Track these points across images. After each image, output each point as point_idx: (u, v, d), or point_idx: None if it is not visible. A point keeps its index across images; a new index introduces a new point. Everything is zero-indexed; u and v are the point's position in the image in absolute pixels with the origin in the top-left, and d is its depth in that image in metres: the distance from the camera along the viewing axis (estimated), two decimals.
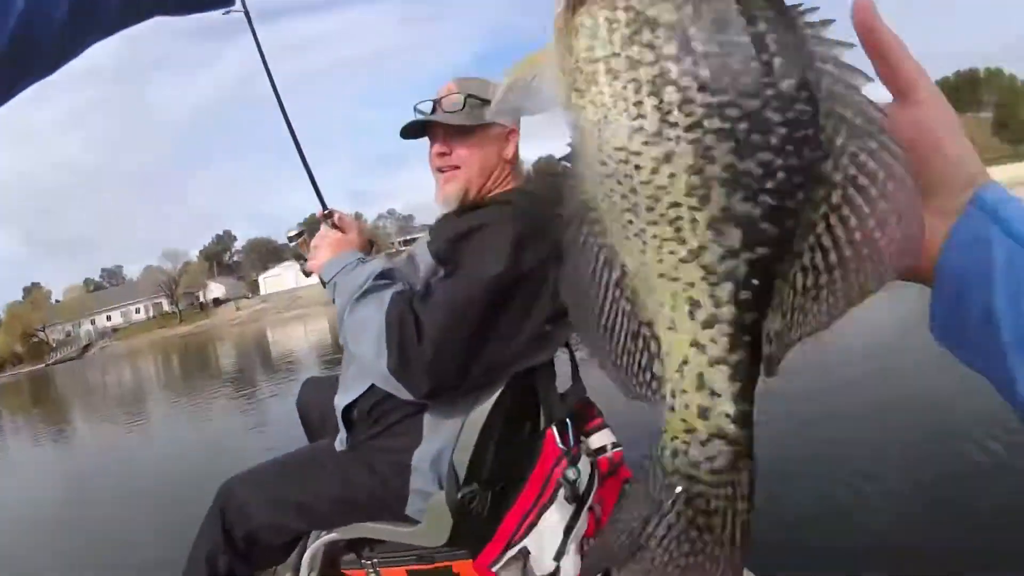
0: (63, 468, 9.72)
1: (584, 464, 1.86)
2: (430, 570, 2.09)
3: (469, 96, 1.86)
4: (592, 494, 1.86)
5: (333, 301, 1.86)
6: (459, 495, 1.85)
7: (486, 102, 1.87)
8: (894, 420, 4.98)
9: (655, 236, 0.41)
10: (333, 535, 2.01)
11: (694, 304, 0.41)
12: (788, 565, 2.90)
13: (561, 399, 1.97)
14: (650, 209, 0.40)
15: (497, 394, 1.86)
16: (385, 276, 1.80)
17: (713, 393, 0.43)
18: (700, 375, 0.42)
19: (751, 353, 0.42)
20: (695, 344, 0.42)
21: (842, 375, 6.18)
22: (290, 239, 2.14)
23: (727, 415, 0.43)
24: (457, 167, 1.90)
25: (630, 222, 0.42)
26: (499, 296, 1.69)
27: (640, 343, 0.46)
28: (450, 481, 1.87)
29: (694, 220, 0.39)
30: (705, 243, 0.39)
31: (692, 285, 0.41)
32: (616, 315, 0.46)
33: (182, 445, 8.84)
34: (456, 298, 1.68)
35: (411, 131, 1.95)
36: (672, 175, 0.39)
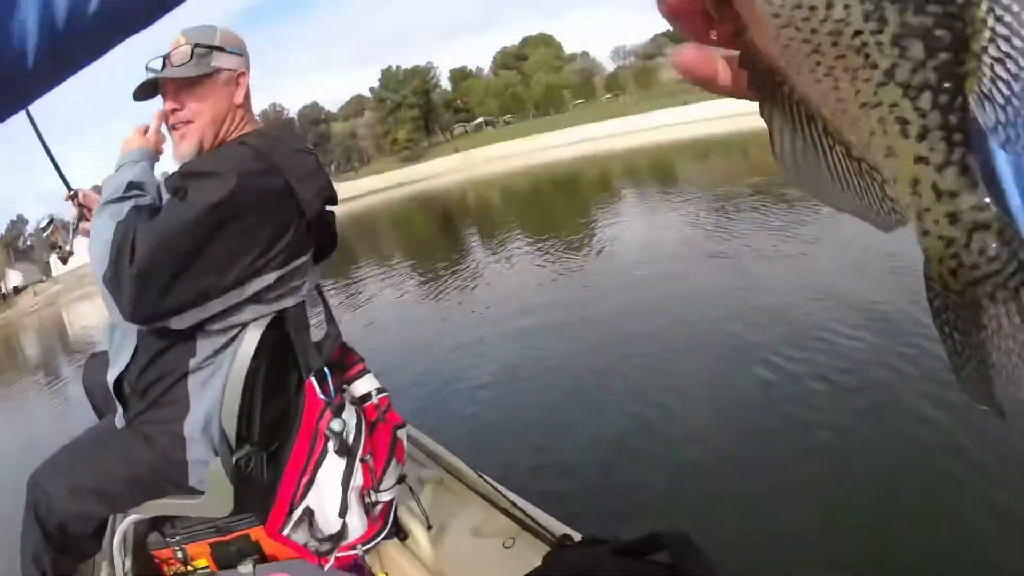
0: None
1: (349, 413, 1.83)
2: (230, 540, 2.09)
3: (196, 46, 1.77)
4: (362, 444, 1.83)
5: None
6: (234, 460, 1.80)
7: (213, 48, 1.80)
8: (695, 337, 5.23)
9: (846, 68, 0.42)
10: (131, 517, 1.95)
11: (903, 122, 0.42)
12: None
13: (317, 348, 1.91)
14: (835, 44, 0.42)
15: (253, 349, 1.79)
16: (135, 187, 1.72)
17: (952, 194, 0.43)
18: (934, 184, 0.44)
19: (968, 145, 0.43)
20: (918, 160, 0.43)
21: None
22: (41, 230, 1.97)
23: (974, 207, 0.43)
24: (189, 121, 1.81)
25: (818, 63, 0.43)
26: (215, 224, 1.62)
27: (868, 178, 0.46)
28: (223, 446, 1.81)
29: (879, 42, 0.41)
30: (895, 60, 0.41)
31: (896, 104, 0.42)
32: (837, 161, 0.47)
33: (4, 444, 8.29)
34: (171, 222, 1.62)
35: (143, 92, 1.84)
36: (847, 6, 0.40)
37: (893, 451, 3.13)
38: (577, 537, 1.76)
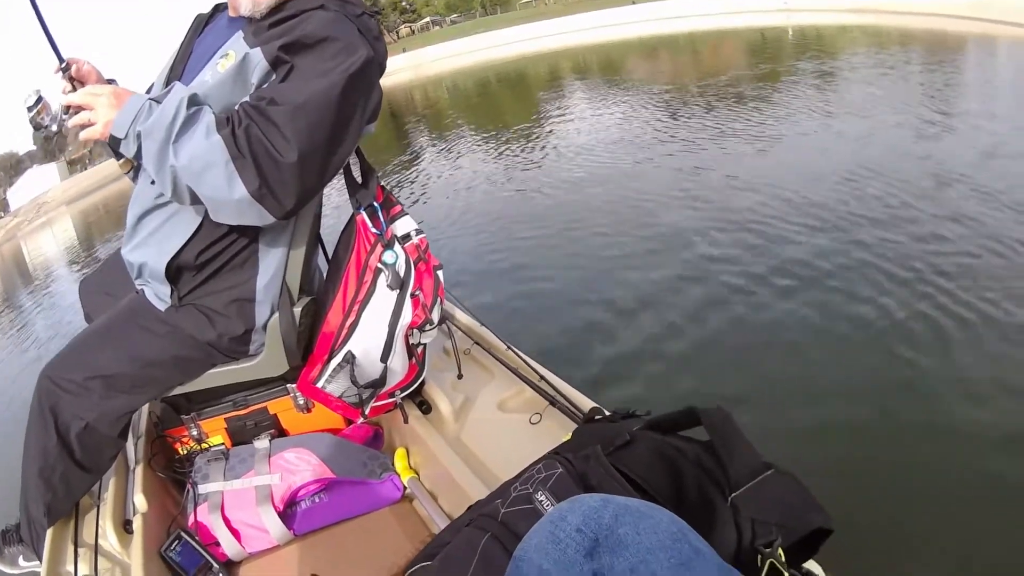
0: None
1: (398, 248, 1.76)
2: (246, 414, 2.07)
3: None
4: (413, 278, 1.77)
5: (134, 159, 1.52)
6: (297, 313, 1.77)
7: None
8: None
9: None
10: (172, 393, 1.85)
11: None
12: None
13: (364, 185, 1.82)
14: None
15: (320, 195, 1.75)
16: (194, 102, 1.48)
17: None
18: None
19: None
20: None
21: None
22: (29, 109, 1.71)
23: None
24: None
25: None
26: (352, 91, 1.49)
27: None
28: (283, 301, 1.76)
29: None
30: None
31: None
32: None
33: None
34: (312, 96, 1.44)
35: None
36: None
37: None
38: (607, 412, 1.69)
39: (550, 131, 11.00)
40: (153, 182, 1.56)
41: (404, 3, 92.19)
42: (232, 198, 1.43)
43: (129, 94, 1.53)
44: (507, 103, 18.74)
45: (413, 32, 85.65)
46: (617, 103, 12.46)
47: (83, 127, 1.53)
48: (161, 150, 1.43)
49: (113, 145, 1.53)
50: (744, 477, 1.02)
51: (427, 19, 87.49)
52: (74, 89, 1.63)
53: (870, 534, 2.14)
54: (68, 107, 1.57)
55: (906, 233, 4.29)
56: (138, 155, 1.48)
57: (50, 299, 9.72)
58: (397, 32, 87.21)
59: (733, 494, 1.01)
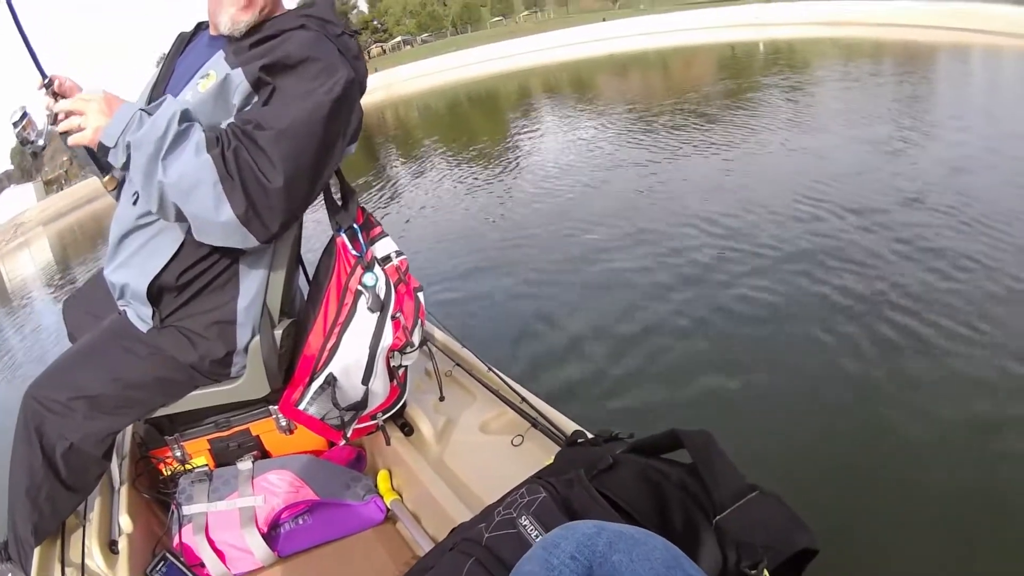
0: None
1: (379, 271, 1.76)
2: (229, 436, 2.06)
3: None
4: (393, 300, 1.77)
5: (122, 169, 1.49)
6: (278, 335, 1.76)
7: None
8: None
9: None
10: (155, 415, 1.83)
11: None
12: None
13: (343, 207, 1.83)
14: None
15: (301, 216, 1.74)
16: (186, 117, 1.46)
17: None
18: None
19: None
20: None
21: None
22: (15, 125, 1.66)
23: None
24: None
25: None
26: (336, 113, 1.49)
27: None
28: (264, 323, 1.75)
29: None
30: None
31: None
32: None
33: None
34: (297, 120, 1.44)
35: None
36: None
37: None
38: (589, 435, 1.69)
39: (524, 150, 11.09)
40: (135, 202, 1.55)
41: (375, 23, 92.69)
42: (219, 220, 1.42)
43: (120, 102, 1.51)
44: (479, 123, 18.82)
45: (384, 52, 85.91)
46: (587, 121, 12.66)
47: (71, 133, 1.51)
48: (150, 164, 1.41)
49: (101, 154, 1.51)
50: (728, 499, 1.02)
51: (398, 39, 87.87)
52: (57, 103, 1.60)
53: (856, 554, 2.14)
54: (56, 117, 1.55)
55: (890, 249, 4.34)
56: (126, 166, 1.46)
57: (30, 319, 9.69)
58: (368, 52, 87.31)
59: (718, 517, 1.00)
